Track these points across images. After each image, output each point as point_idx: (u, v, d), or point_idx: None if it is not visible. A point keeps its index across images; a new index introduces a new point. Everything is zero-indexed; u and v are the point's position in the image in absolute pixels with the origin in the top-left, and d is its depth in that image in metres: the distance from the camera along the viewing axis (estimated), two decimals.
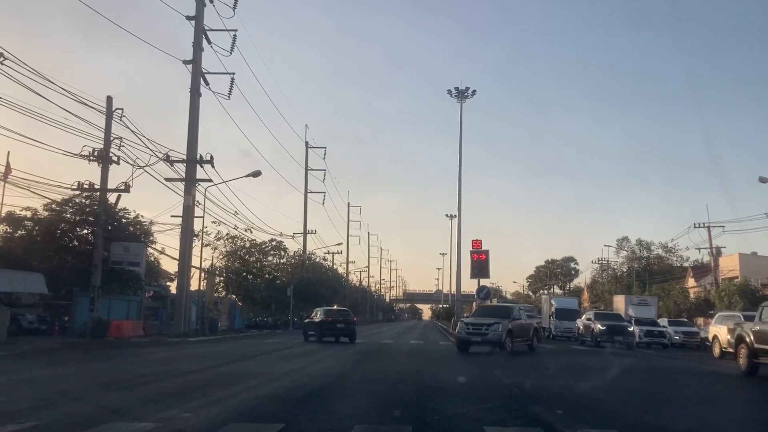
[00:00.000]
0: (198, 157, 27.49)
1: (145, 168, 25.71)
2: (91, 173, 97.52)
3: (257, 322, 50.69)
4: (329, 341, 27.49)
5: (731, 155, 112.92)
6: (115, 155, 25.43)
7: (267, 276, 52.34)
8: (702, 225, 45.57)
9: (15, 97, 36.16)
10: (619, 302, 42.96)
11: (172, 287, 42.23)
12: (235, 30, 28.62)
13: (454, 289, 60.29)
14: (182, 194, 27.84)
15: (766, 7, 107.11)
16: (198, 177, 28.05)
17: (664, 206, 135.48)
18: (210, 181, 29.21)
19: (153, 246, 33.49)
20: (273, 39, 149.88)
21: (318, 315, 28.94)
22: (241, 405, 9.00)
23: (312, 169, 54.48)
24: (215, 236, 47.38)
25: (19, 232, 27.08)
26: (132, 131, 25.74)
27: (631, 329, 29.88)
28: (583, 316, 33.67)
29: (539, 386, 12.43)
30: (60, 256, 27.49)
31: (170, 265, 39.52)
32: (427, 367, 16.34)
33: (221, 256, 49.90)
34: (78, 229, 28.59)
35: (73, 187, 25.62)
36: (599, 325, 29.38)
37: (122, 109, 25.42)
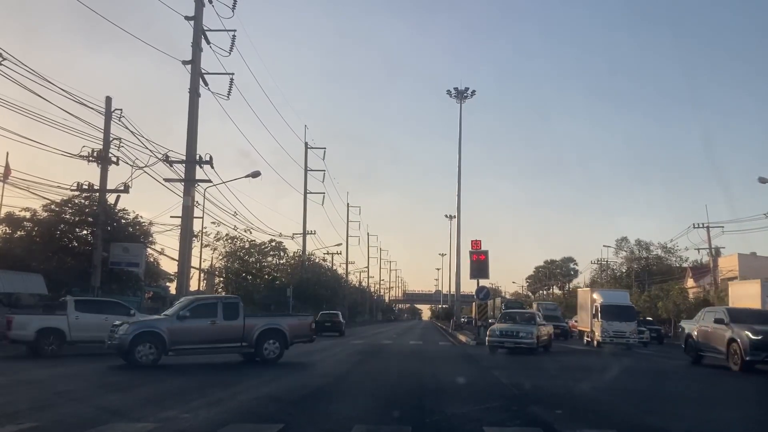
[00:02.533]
0: (197, 157, 27.38)
1: (144, 168, 25.65)
2: (90, 174, 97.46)
3: None
4: (330, 342, 28.82)
5: (730, 156, 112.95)
6: (115, 156, 25.39)
7: (266, 276, 52.29)
8: (701, 225, 45.59)
9: (14, 98, 36.10)
10: (749, 289, 27.79)
11: (172, 288, 42.24)
12: (235, 30, 28.48)
13: (453, 289, 60.34)
14: (181, 195, 27.75)
15: (766, 7, 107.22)
16: (197, 177, 27.92)
17: (663, 207, 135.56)
18: (209, 181, 29.11)
19: (152, 247, 33.49)
20: (272, 39, 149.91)
21: (317, 317, 36.69)
22: (240, 405, 9.02)
23: (311, 170, 54.31)
24: (215, 237, 47.40)
25: (19, 232, 27.04)
26: (131, 132, 25.70)
27: None
28: (704, 316, 20.23)
29: (538, 386, 12.45)
30: (59, 256, 27.45)
31: (170, 266, 39.55)
32: (426, 367, 16.36)
33: (220, 257, 49.91)
34: (77, 229, 28.55)
35: (72, 187, 25.58)
36: (749, 335, 16.75)
37: (121, 109, 25.36)
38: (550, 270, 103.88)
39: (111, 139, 25.36)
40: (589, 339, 31.45)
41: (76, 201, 27.59)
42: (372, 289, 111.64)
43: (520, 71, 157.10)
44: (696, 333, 19.95)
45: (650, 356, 24.92)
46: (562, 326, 39.58)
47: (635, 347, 29.04)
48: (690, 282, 56.61)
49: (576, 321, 46.22)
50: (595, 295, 32.25)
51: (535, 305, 47.06)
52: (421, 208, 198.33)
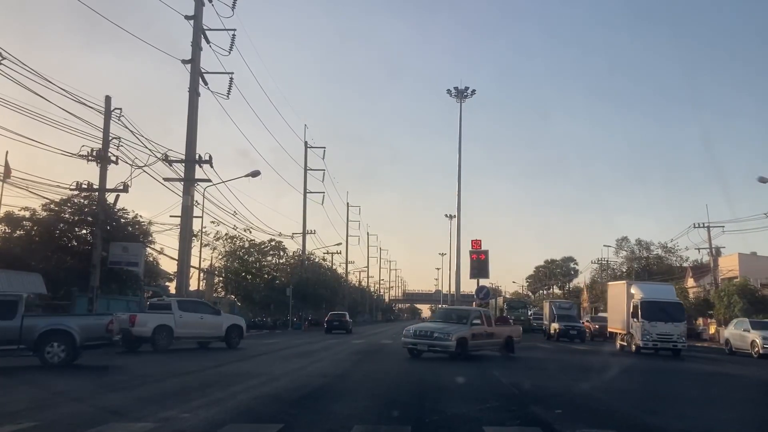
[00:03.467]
0: (197, 157, 27.41)
1: (143, 168, 25.63)
2: (89, 173, 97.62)
3: (256, 322, 50.63)
4: (334, 341, 29.16)
5: (730, 155, 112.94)
6: (114, 155, 25.37)
7: (266, 276, 52.29)
8: (701, 225, 45.57)
9: (14, 97, 36.17)
10: None
11: (171, 287, 42.23)
12: (234, 30, 28.51)
13: (453, 289, 60.27)
14: (181, 194, 27.77)
15: (766, 7, 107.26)
16: (197, 177, 27.96)
17: (663, 206, 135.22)
18: (209, 181, 29.14)
19: (152, 246, 33.46)
20: (272, 39, 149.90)
21: (328, 316, 44.31)
22: (240, 405, 9.00)
23: (311, 169, 54.33)
24: (214, 236, 47.41)
25: (18, 232, 27.02)
26: (131, 131, 25.69)
27: None
28: None
29: (538, 386, 12.44)
30: (58, 256, 27.43)
31: (169, 266, 39.58)
32: (426, 367, 16.33)
33: (220, 256, 49.93)
34: (77, 229, 28.53)
35: (71, 187, 25.56)
36: None
37: (121, 108, 25.35)
38: (551, 270, 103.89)
39: (110, 138, 25.34)
40: (625, 343, 26.53)
41: (76, 200, 27.55)
42: (372, 289, 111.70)
43: (520, 71, 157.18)
44: None
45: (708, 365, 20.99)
46: (578, 327, 37.43)
47: (684, 352, 24.45)
48: (690, 282, 56.58)
49: (588, 320, 43.41)
50: (632, 290, 26.55)
51: (547, 304, 44.65)
52: (421, 208, 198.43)
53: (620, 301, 27.67)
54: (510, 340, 21.13)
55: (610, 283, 33.18)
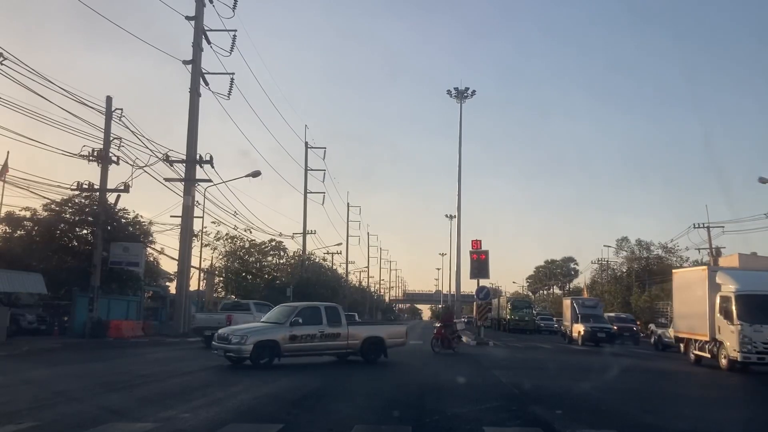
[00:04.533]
0: (197, 157, 27.44)
1: (144, 168, 25.68)
2: (90, 173, 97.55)
3: None
4: None
5: (731, 156, 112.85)
6: (115, 155, 25.43)
7: (266, 276, 52.27)
8: (701, 225, 45.60)
9: (15, 97, 36.22)
10: None
11: (172, 287, 42.23)
12: (235, 30, 28.58)
13: (453, 289, 60.24)
14: (182, 194, 27.80)
15: (766, 7, 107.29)
16: (197, 177, 28.01)
17: (663, 206, 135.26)
18: (209, 181, 29.18)
19: (152, 246, 33.51)
20: (273, 39, 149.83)
21: None
22: (240, 405, 9.00)
23: (311, 170, 54.21)
24: (215, 236, 47.42)
25: (19, 232, 27.04)
26: (131, 131, 25.74)
27: None
28: None
29: (538, 386, 12.44)
30: (59, 256, 27.45)
31: (170, 266, 39.57)
32: (426, 367, 16.35)
33: (220, 257, 49.92)
34: (77, 229, 28.56)
35: (72, 187, 25.62)
36: None
37: (122, 109, 25.41)
38: (551, 270, 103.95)
39: (111, 138, 25.39)
40: (706, 354, 19.09)
41: (76, 200, 27.59)
42: (372, 289, 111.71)
43: (520, 71, 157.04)
44: None
45: None
46: (606, 328, 32.43)
47: None
48: None
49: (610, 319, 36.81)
50: (719, 278, 18.93)
51: (568, 302, 38.29)
52: (421, 208, 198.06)
53: (696, 295, 19.94)
54: (377, 341, 17.08)
55: (677, 270, 25.39)
